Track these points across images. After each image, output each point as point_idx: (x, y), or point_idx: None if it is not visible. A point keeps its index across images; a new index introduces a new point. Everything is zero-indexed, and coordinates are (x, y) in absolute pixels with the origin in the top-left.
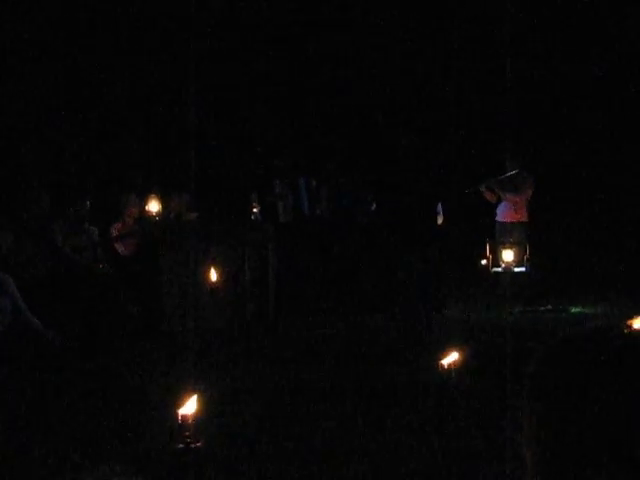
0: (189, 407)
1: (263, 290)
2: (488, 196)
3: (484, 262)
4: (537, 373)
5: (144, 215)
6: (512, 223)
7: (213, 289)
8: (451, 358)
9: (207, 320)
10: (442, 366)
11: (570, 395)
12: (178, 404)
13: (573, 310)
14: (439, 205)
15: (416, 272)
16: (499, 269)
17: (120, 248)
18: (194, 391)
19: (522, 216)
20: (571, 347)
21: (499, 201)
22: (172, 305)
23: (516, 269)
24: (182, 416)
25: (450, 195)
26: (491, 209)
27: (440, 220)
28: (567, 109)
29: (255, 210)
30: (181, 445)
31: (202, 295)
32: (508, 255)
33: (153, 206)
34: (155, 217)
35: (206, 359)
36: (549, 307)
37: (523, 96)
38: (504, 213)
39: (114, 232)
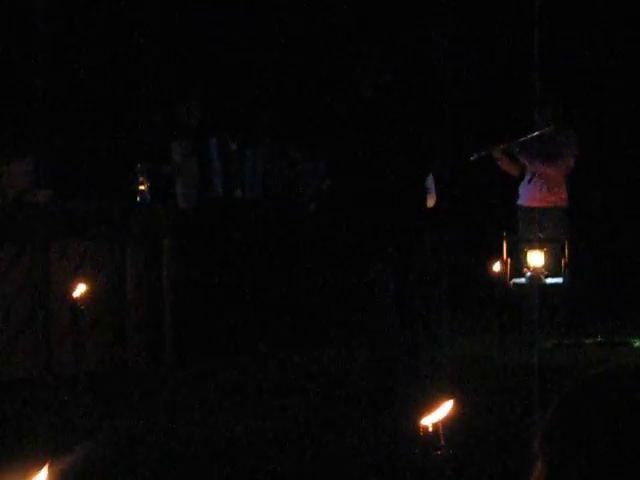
0: None
1: (155, 311)
2: (506, 166)
3: (499, 269)
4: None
5: None
6: (544, 209)
7: (76, 311)
8: (439, 415)
9: (66, 361)
10: (425, 428)
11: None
12: None
13: (638, 343)
14: (429, 180)
15: (392, 284)
16: (522, 280)
17: None
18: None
19: (560, 199)
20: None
21: (523, 175)
22: (6, 338)
23: (549, 280)
24: None
25: (446, 165)
26: (511, 187)
27: (431, 203)
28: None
29: (143, 188)
30: None
31: (58, 321)
32: (537, 258)
33: None
34: None
35: (64, 423)
36: (599, 339)
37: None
38: (531, 194)
39: None
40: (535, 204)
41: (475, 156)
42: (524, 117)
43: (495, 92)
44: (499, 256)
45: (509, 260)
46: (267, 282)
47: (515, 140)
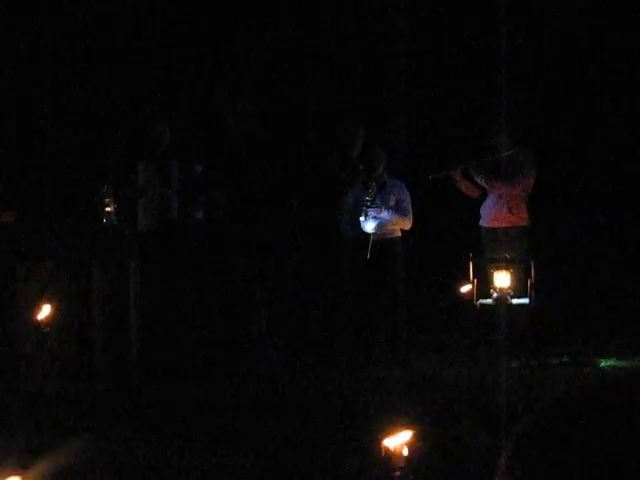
0: None
1: (121, 332)
2: (465, 188)
3: (466, 290)
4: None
5: None
6: (506, 229)
7: (40, 333)
8: (402, 438)
9: (27, 384)
10: (386, 449)
11: None
12: None
13: (603, 363)
14: (406, 201)
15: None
16: (489, 300)
17: None
18: None
19: (521, 219)
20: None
21: (484, 196)
22: None
23: (515, 300)
24: None
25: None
26: (474, 207)
27: (408, 225)
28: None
29: (109, 209)
30: None
31: (24, 342)
32: (502, 279)
33: None
34: None
35: (24, 449)
36: (565, 359)
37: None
38: (493, 215)
39: None
40: (497, 224)
41: (433, 176)
42: (482, 139)
43: (454, 113)
44: (465, 277)
45: (475, 281)
46: (232, 303)
47: (472, 161)
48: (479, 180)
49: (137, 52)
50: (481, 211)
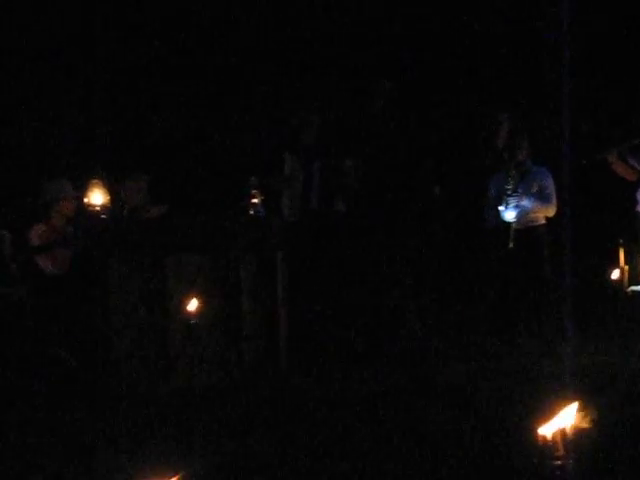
0: None
1: (270, 324)
2: (622, 171)
3: (616, 276)
4: None
5: (82, 211)
6: None
7: (191, 324)
8: (559, 425)
9: (182, 375)
10: (543, 438)
11: None
12: None
13: None
14: (549, 188)
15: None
16: None
17: (45, 263)
18: None
19: None
20: None
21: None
22: (123, 353)
23: None
24: None
25: (566, 172)
26: (628, 192)
27: (552, 212)
28: None
29: (256, 201)
30: None
31: (174, 334)
32: None
33: (96, 198)
34: (99, 214)
35: (180, 440)
36: None
37: None
38: None
39: (36, 239)
40: None
41: (588, 160)
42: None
43: (612, 95)
44: (616, 263)
45: (627, 267)
46: (379, 292)
47: (626, 143)
48: (633, 163)
49: (283, 47)
50: (637, 196)
